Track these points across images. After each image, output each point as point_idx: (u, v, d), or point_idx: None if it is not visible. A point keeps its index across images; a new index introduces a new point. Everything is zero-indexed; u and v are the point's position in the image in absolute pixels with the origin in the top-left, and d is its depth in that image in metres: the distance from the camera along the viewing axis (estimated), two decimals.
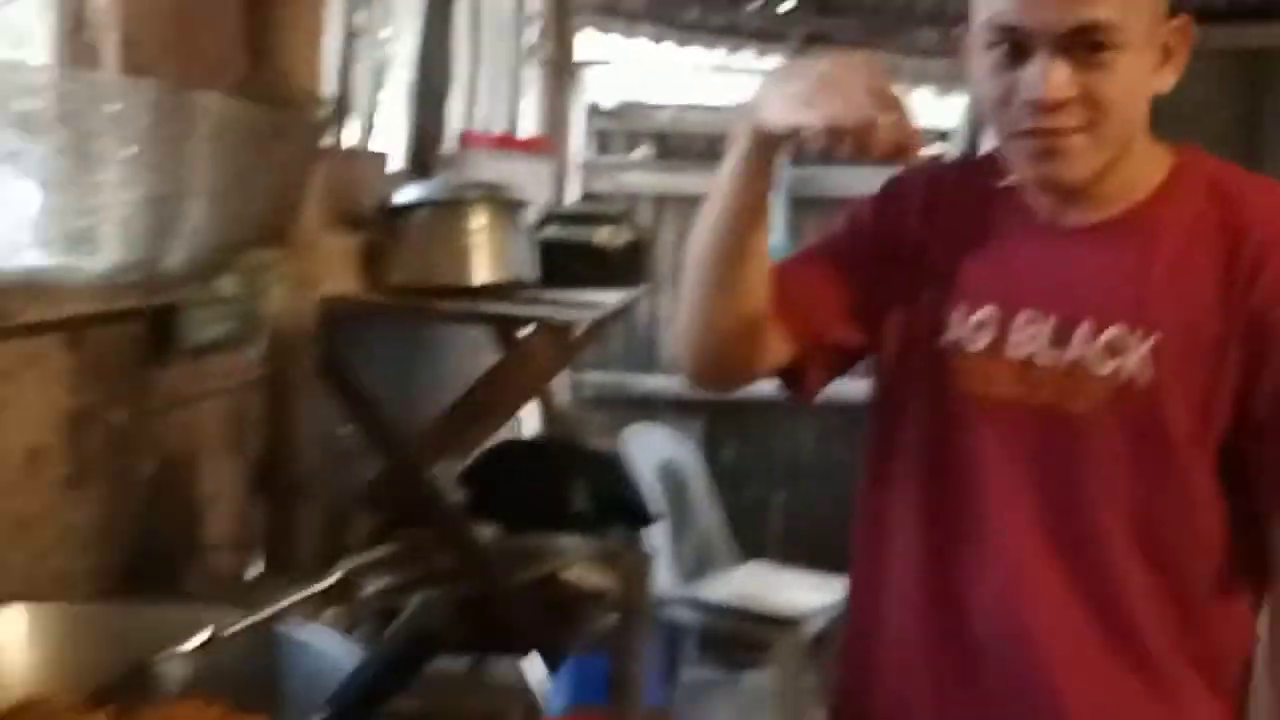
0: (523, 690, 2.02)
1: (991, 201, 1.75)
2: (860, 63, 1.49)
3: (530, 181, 3.70)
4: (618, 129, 5.91)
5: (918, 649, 1.76)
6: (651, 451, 5.06)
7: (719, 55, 5.84)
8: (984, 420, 1.70)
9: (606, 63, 5.89)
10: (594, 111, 5.85)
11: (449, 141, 4.09)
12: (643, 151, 5.89)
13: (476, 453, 3.39)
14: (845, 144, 1.45)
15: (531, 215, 3.47)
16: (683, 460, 5.32)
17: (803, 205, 5.41)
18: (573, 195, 5.27)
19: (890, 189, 1.86)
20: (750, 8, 5.69)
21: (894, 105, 1.46)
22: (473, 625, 2.28)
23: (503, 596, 2.78)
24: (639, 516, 3.46)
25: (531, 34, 5.10)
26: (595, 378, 5.74)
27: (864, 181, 1.94)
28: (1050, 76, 1.54)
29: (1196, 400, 1.61)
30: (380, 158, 3.64)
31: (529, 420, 4.30)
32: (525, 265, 3.23)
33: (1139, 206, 1.67)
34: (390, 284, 3.02)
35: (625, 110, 5.95)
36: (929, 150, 1.34)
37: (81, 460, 1.89)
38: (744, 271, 1.67)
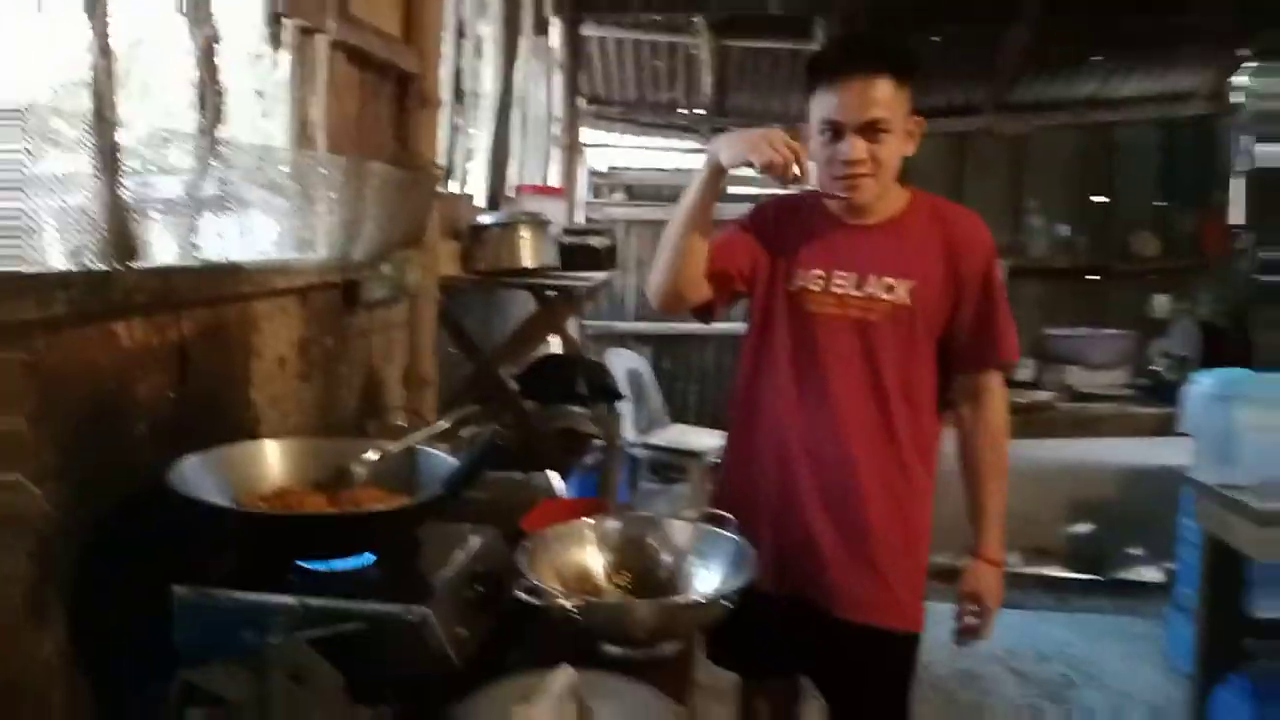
0: (549, 489, 2.05)
1: (814, 212, 1.75)
2: (774, 131, 1.56)
3: (555, 212, 3.66)
4: (604, 183, 5.82)
5: (783, 462, 1.72)
6: (622, 363, 4.99)
7: (661, 140, 5.78)
8: (822, 328, 1.69)
9: (599, 145, 5.79)
10: (592, 173, 5.74)
11: (509, 190, 4.08)
12: (619, 196, 5.84)
13: (525, 362, 3.39)
14: (770, 172, 1.53)
15: (555, 230, 3.46)
16: (641, 368, 5.25)
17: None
18: (579, 219, 5.25)
19: (760, 207, 1.84)
20: (679, 113, 5.65)
21: (794, 152, 1.54)
22: (521, 455, 2.25)
23: (538, 438, 2.84)
24: (614, 397, 3.44)
25: (556, 129, 5.02)
26: (592, 323, 5.64)
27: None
28: (854, 147, 1.61)
29: (931, 313, 1.68)
30: (471, 197, 3.61)
31: (555, 345, 4.28)
32: (551, 257, 3.25)
33: (896, 216, 1.72)
34: (476, 269, 3.03)
35: (610, 172, 5.85)
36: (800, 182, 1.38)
37: (309, 364, 1.89)
38: (695, 244, 1.67)
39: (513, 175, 4.25)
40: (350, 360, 2.12)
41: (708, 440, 4.77)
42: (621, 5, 5.00)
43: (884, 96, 1.59)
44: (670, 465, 5.08)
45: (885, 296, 1.67)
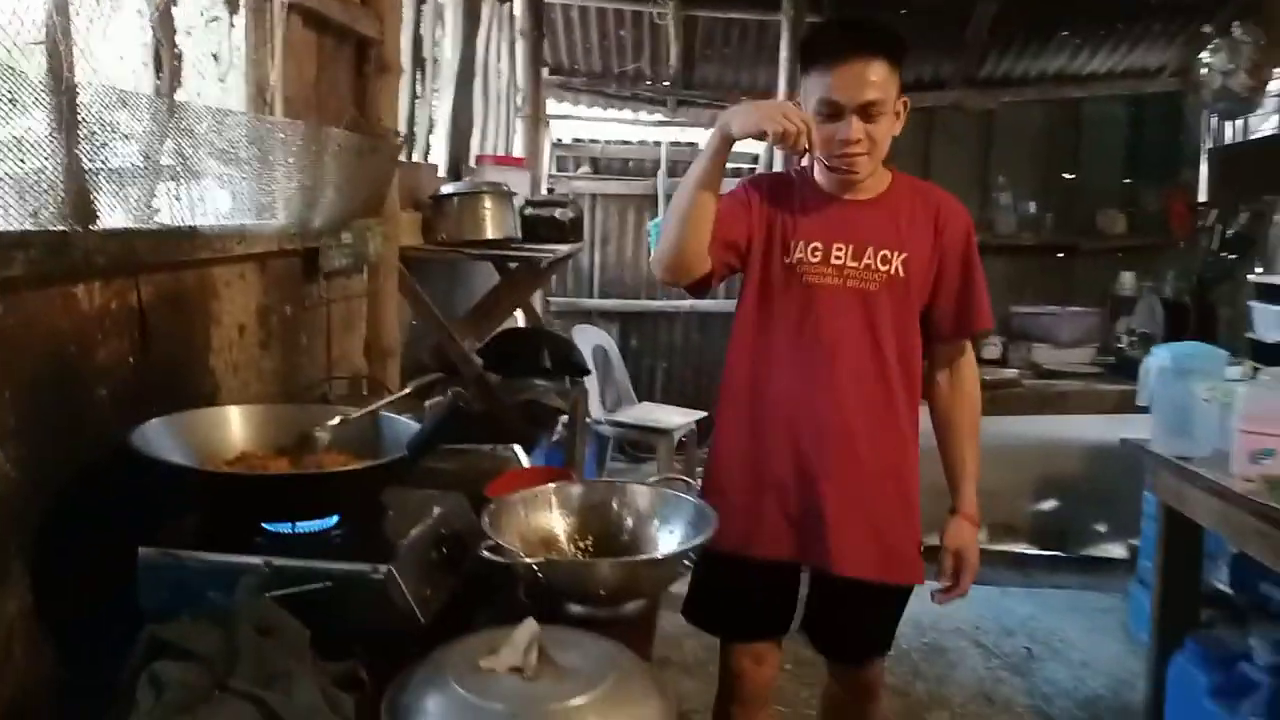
0: (514, 460, 2.08)
1: (806, 187, 1.83)
2: (787, 103, 1.64)
3: (518, 183, 3.65)
4: (569, 155, 5.79)
5: (787, 431, 1.79)
6: (590, 339, 4.99)
7: (626, 113, 5.74)
8: (822, 298, 1.77)
9: (563, 117, 5.76)
10: (556, 144, 5.72)
11: (471, 160, 4.09)
12: (584, 169, 5.84)
13: (489, 335, 3.39)
14: (783, 142, 1.60)
15: (518, 201, 3.47)
16: (607, 344, 5.22)
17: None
18: (542, 191, 5.24)
19: (752, 181, 1.90)
20: (644, 85, 5.66)
21: (803, 122, 1.61)
22: (486, 427, 2.25)
23: (503, 411, 2.86)
24: (581, 371, 3.45)
25: (518, 100, 5.02)
26: (558, 299, 5.63)
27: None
28: (852, 127, 1.69)
29: (920, 284, 1.80)
30: (433, 167, 3.62)
31: (519, 318, 4.29)
32: (514, 229, 3.25)
33: (884, 193, 1.82)
34: (438, 239, 3.05)
35: (573, 144, 5.82)
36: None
37: (268, 333, 1.91)
38: (704, 213, 1.73)
39: (475, 146, 4.26)
40: (310, 329, 2.14)
41: (676, 418, 4.80)
42: None
43: (880, 79, 1.68)
44: (638, 443, 5.09)
45: (881, 268, 1.77)
